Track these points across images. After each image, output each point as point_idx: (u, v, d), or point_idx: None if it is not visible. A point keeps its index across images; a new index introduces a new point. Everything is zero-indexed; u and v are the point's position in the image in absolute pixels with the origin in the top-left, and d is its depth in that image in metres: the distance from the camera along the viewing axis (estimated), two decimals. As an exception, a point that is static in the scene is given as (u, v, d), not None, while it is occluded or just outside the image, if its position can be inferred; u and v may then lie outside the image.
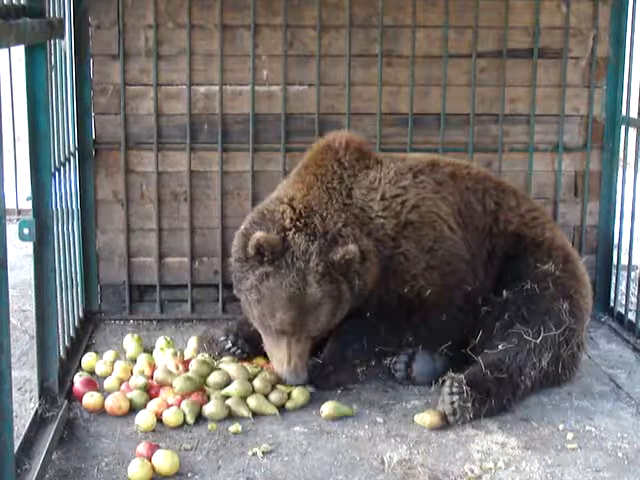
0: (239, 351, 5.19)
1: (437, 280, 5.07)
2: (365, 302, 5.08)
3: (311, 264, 4.84)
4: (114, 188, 6.07)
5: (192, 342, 5.39)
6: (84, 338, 5.67)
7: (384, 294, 5.08)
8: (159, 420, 4.57)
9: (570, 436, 4.54)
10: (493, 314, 5.04)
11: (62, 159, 5.14)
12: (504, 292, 5.06)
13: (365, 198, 5.14)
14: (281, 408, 4.76)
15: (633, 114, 6.00)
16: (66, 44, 5.39)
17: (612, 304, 6.31)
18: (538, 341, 4.84)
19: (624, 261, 6.33)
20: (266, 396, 4.79)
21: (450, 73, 6.07)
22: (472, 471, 4.19)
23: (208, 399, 4.73)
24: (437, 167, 5.37)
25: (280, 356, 4.92)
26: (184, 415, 4.58)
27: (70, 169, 5.42)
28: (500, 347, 4.84)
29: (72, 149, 5.57)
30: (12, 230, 4.10)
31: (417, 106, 6.10)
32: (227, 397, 4.74)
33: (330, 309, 4.89)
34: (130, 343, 5.43)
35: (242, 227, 5.10)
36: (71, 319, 5.34)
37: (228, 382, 4.84)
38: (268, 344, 4.99)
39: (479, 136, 6.17)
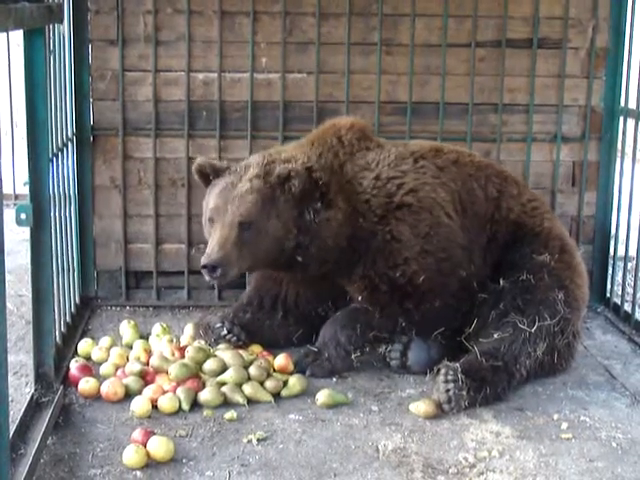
0: (235, 338, 5.20)
1: (431, 265, 5.05)
2: (357, 285, 5.11)
3: (250, 170, 5.02)
4: (112, 174, 6.06)
5: (188, 329, 5.39)
6: (80, 324, 5.67)
7: (375, 277, 5.06)
8: (154, 406, 4.57)
9: (564, 426, 4.56)
10: (489, 303, 5.05)
11: (60, 145, 5.14)
12: (501, 281, 5.06)
13: (356, 175, 5.16)
14: (276, 396, 4.77)
15: (631, 105, 5.99)
16: (65, 29, 5.38)
17: (608, 295, 6.31)
18: (533, 330, 4.86)
19: (621, 252, 6.34)
20: (261, 383, 4.80)
21: (449, 62, 6.06)
22: (466, 460, 4.20)
23: (203, 386, 4.74)
24: (440, 153, 5.37)
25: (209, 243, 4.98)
26: (179, 402, 4.59)
27: (68, 155, 5.42)
28: (495, 336, 4.87)
29: (70, 135, 5.56)
30: (9, 215, 4.10)
31: (416, 95, 6.09)
32: (223, 384, 4.75)
33: (258, 209, 4.91)
34: (126, 329, 5.44)
35: None
36: (67, 305, 5.34)
37: (224, 369, 4.85)
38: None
39: (478, 125, 6.17)
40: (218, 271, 4.79)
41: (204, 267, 4.80)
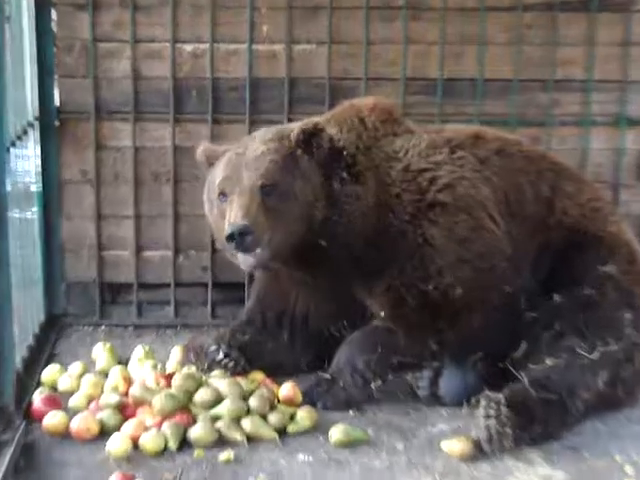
0: (232, 363, 5.23)
1: (469, 277, 5.07)
2: (379, 299, 5.14)
3: (260, 136, 5.14)
4: (82, 166, 6.10)
5: (176, 352, 5.43)
6: (46, 347, 5.71)
7: (402, 288, 5.09)
8: (135, 446, 4.59)
9: (629, 470, 4.55)
10: (540, 322, 5.05)
11: (19, 130, 5.18)
12: (555, 296, 5.07)
13: (384, 163, 5.20)
14: (282, 432, 4.79)
15: None
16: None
17: (682, 310, 6.32)
18: (594, 357, 4.85)
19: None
20: (264, 417, 4.82)
21: (489, 30, 6.09)
22: (510, 510, 4.24)
23: (194, 421, 4.76)
24: (481, 141, 5.39)
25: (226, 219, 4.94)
26: (165, 440, 4.62)
27: (29, 142, 5.46)
28: (548, 362, 4.85)
29: (31, 118, 5.61)
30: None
31: (448, 70, 6.13)
32: (217, 418, 4.77)
33: (280, 169, 4.95)
34: (101, 353, 5.47)
35: None
36: (30, 324, 5.38)
37: (218, 400, 4.88)
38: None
39: (523, 106, 6.20)
40: (249, 238, 4.71)
41: (230, 238, 4.71)
